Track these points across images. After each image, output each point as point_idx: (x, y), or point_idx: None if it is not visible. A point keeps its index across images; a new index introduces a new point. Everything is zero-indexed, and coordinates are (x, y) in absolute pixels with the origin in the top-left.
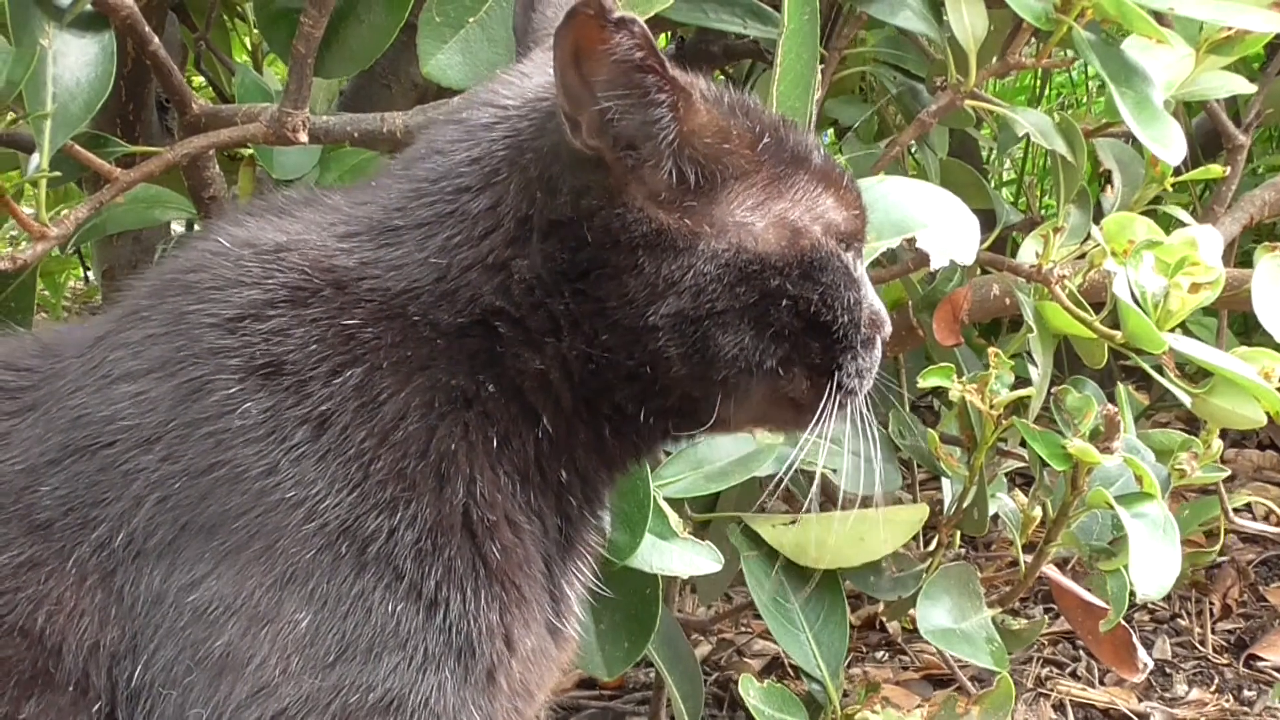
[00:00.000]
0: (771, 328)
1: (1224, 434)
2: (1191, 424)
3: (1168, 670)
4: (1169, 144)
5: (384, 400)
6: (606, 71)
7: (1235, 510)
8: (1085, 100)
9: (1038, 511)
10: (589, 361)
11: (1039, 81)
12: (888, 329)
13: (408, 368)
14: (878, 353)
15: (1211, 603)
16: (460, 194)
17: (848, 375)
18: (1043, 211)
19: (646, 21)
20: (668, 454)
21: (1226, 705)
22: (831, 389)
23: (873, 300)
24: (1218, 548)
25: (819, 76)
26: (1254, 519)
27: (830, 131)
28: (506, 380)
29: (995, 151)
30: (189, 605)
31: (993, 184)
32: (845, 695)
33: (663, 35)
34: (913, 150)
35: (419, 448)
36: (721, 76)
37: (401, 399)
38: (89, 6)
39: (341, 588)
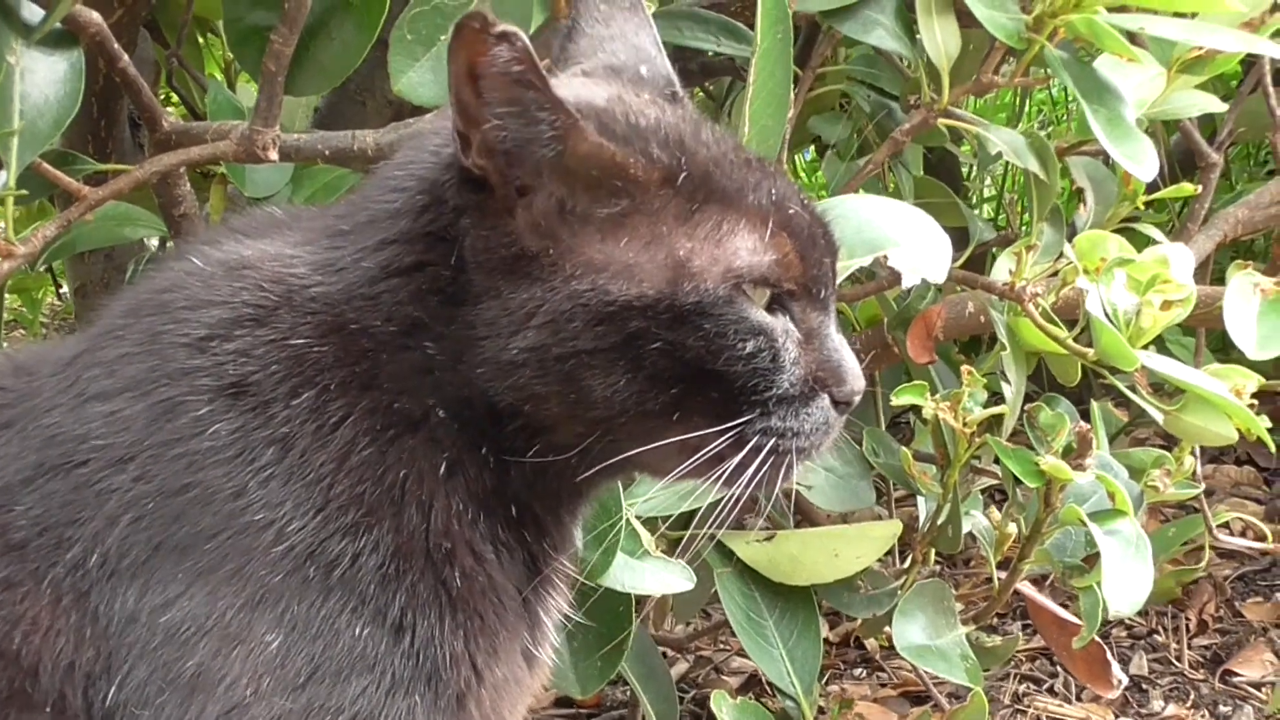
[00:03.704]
0: (645, 371)
1: (1202, 450)
2: (1171, 441)
3: (1144, 686)
4: (1141, 161)
5: (336, 424)
6: (493, 87)
7: (1216, 526)
8: (1066, 118)
9: (1012, 528)
10: (471, 390)
11: (1019, 100)
12: (849, 386)
13: (355, 387)
14: (819, 411)
15: (1188, 618)
16: (390, 193)
17: (764, 433)
18: (1023, 228)
19: None
20: None
21: None
22: (748, 444)
23: (828, 354)
24: (1202, 564)
25: (793, 95)
26: (1231, 534)
27: (811, 148)
28: (450, 405)
29: (975, 168)
30: (161, 626)
31: (973, 201)
32: (821, 712)
33: None
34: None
35: (373, 473)
36: (701, 94)
37: (350, 423)
38: (58, 24)
39: (310, 611)
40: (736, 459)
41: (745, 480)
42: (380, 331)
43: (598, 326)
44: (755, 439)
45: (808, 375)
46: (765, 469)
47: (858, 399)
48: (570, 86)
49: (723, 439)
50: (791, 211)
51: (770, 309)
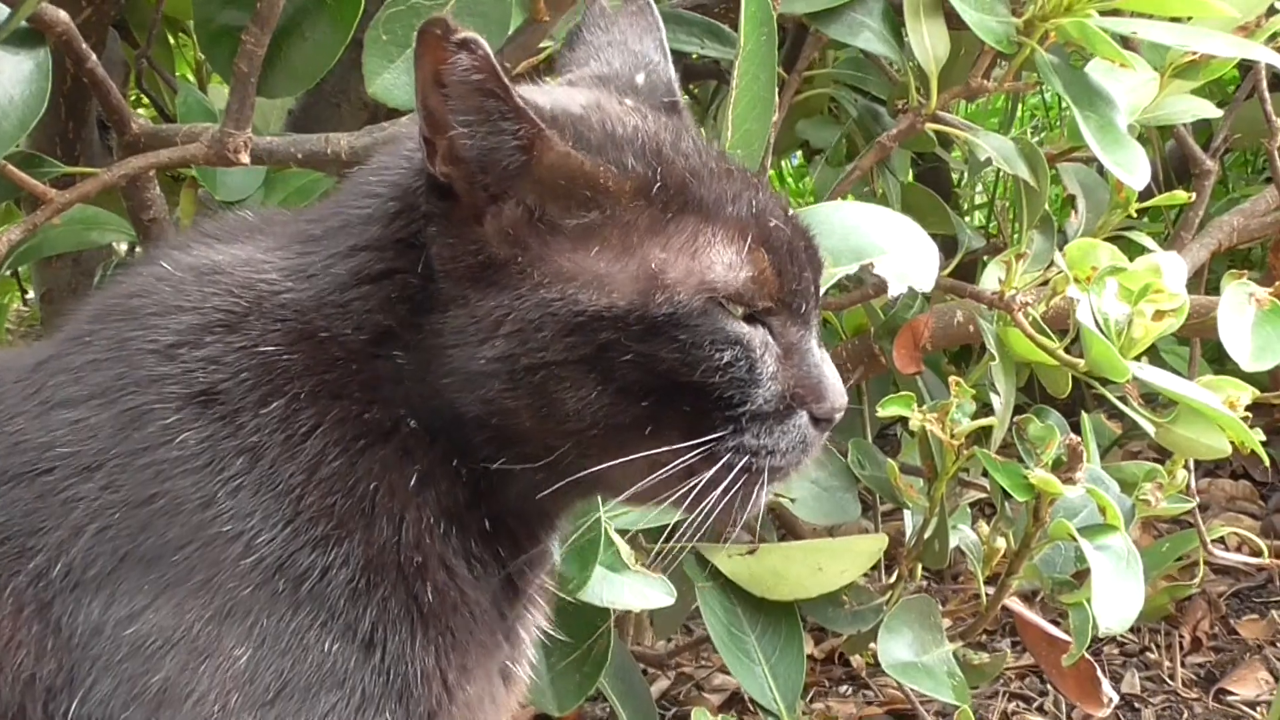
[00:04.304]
0: (616, 384)
1: (1197, 464)
2: (1164, 454)
3: (1136, 705)
4: (1133, 168)
5: (305, 433)
6: (456, 95)
7: (1211, 541)
8: (1059, 124)
9: (1001, 543)
10: (441, 400)
11: (1011, 105)
12: (829, 403)
13: (326, 396)
14: (796, 429)
15: (1181, 636)
16: (363, 199)
17: (737, 450)
18: (1014, 236)
19: None
20: None
21: None
22: (719, 462)
23: (808, 369)
24: (1196, 580)
25: (778, 99)
26: (1227, 549)
27: (799, 153)
28: (421, 415)
29: (966, 175)
30: (126, 639)
31: (964, 208)
32: None
33: None
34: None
35: (343, 485)
36: (686, 97)
37: (320, 433)
38: (24, 23)
39: (279, 625)
40: (707, 476)
41: (714, 499)
42: (351, 340)
43: (567, 337)
44: (727, 456)
45: (785, 391)
46: (737, 487)
47: (838, 417)
48: (547, 94)
49: (694, 454)
50: (772, 225)
51: (749, 321)
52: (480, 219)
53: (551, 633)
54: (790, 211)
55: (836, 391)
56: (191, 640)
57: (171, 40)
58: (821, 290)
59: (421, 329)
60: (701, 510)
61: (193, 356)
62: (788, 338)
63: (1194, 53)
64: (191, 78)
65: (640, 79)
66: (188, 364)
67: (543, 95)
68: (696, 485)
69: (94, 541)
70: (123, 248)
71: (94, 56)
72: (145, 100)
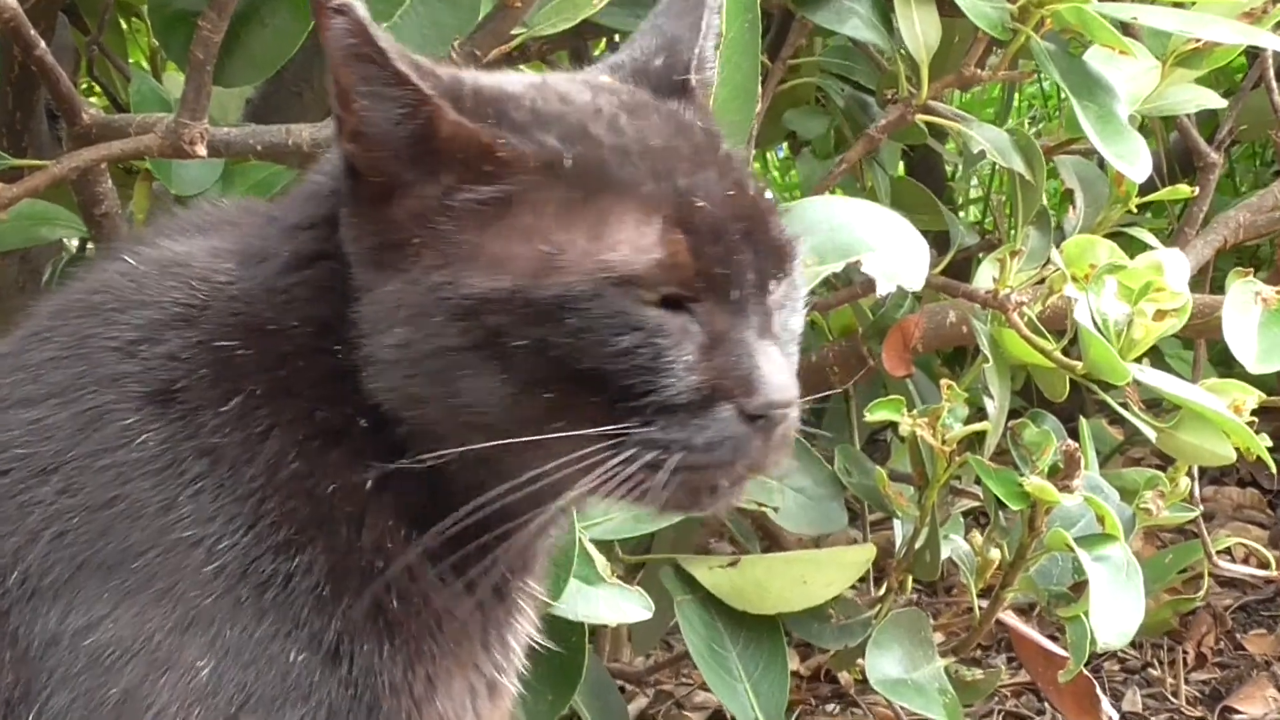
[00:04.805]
0: (516, 372)
1: (1202, 472)
2: (1168, 461)
3: None
4: (1134, 161)
5: (263, 433)
6: (345, 63)
7: (1217, 553)
8: (1057, 115)
9: (995, 554)
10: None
11: (1006, 95)
12: (761, 397)
13: (281, 394)
14: (717, 424)
15: (1185, 651)
16: (316, 175)
17: (644, 445)
18: (1010, 232)
19: (576, 26)
20: None
21: None
22: (622, 456)
23: (736, 359)
24: (1201, 593)
25: (760, 88)
26: (1233, 560)
27: (784, 145)
28: (368, 413)
29: (961, 168)
30: (85, 649)
31: (958, 203)
32: None
33: (602, 41)
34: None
35: (303, 488)
36: None
37: (278, 434)
38: None
39: (242, 635)
40: (610, 469)
41: (624, 493)
42: (297, 332)
43: (459, 321)
44: (632, 450)
45: (705, 382)
46: (645, 483)
47: (779, 412)
48: (483, 76)
49: (598, 447)
50: (699, 205)
51: (671, 307)
52: (387, 199)
53: (541, 643)
54: (744, 192)
55: (772, 385)
56: (152, 651)
57: (124, 25)
58: (790, 279)
59: (346, 319)
60: (605, 496)
61: (153, 353)
62: (715, 326)
63: (1198, 39)
64: (145, 65)
65: (660, 61)
66: (148, 361)
67: (466, 73)
68: (604, 479)
69: (51, 548)
70: (73, 244)
71: (43, 43)
72: (97, 89)
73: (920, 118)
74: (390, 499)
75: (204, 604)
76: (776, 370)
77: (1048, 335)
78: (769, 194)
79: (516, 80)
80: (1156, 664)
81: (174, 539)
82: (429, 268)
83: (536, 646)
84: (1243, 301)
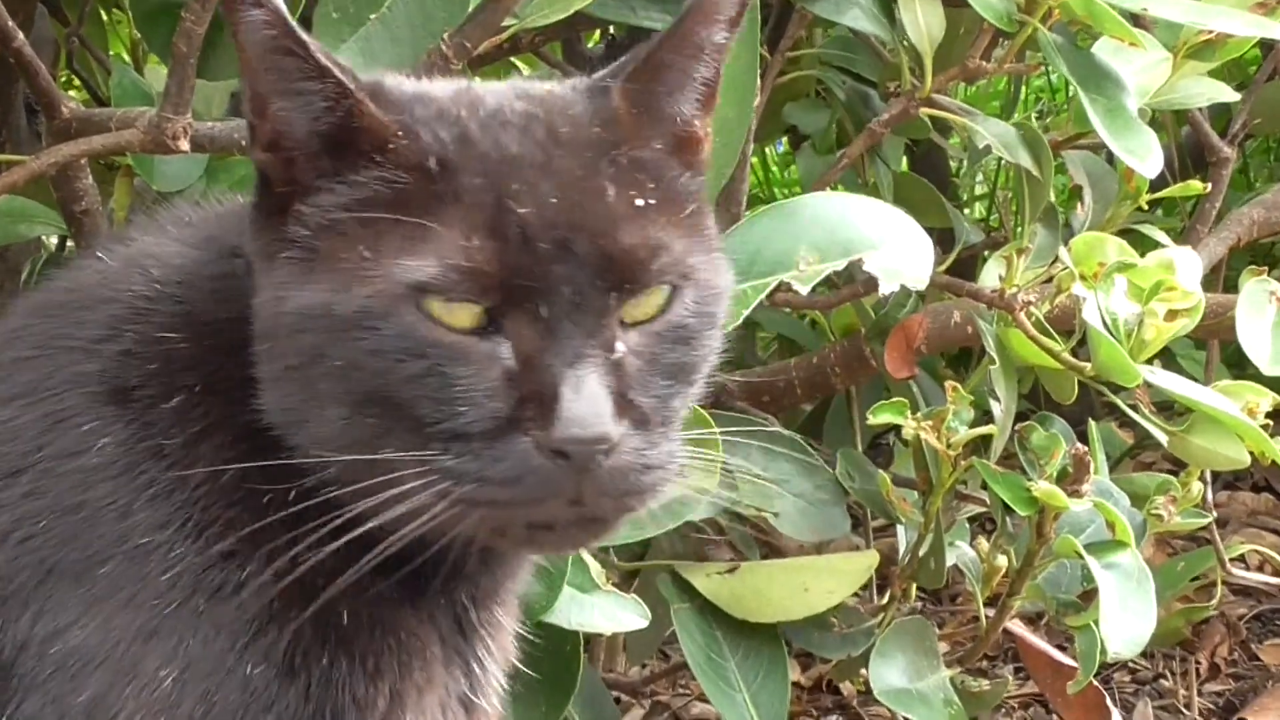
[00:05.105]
0: (342, 393)
1: (1216, 476)
2: (1180, 465)
3: None
4: (1145, 156)
5: (201, 432)
6: (259, 58)
7: (1230, 560)
8: (1065, 108)
9: (1002, 561)
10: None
11: (1013, 88)
12: (556, 431)
13: (214, 391)
14: (512, 456)
15: (1198, 661)
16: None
17: (443, 474)
18: (1016, 230)
19: (569, 17)
20: None
21: None
22: (420, 483)
23: (540, 388)
24: (1214, 602)
25: (759, 81)
26: (1247, 568)
27: (784, 140)
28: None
29: (965, 163)
30: (52, 657)
31: (963, 199)
32: None
33: (595, 33)
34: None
35: (241, 494)
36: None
37: (216, 435)
38: None
39: (202, 646)
40: (414, 499)
41: (425, 524)
42: (226, 325)
43: (291, 339)
44: (431, 479)
45: (502, 411)
46: (443, 515)
47: (579, 449)
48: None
49: (406, 475)
50: (521, 212)
51: (481, 331)
52: (284, 211)
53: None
54: (585, 200)
55: (571, 419)
56: (118, 660)
57: (105, 17)
58: (644, 297)
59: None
60: (407, 533)
61: (111, 351)
62: (524, 348)
63: (1210, 31)
64: (127, 58)
65: (611, 68)
66: (107, 359)
67: (390, 76)
68: (411, 510)
69: (18, 551)
70: (53, 241)
71: (21, 35)
72: (76, 82)
73: (924, 111)
74: (315, 512)
75: (165, 613)
76: (582, 402)
77: (1055, 336)
78: (642, 201)
79: (443, 85)
80: (1168, 675)
81: (133, 546)
82: (280, 282)
83: (520, 667)
84: (1256, 301)
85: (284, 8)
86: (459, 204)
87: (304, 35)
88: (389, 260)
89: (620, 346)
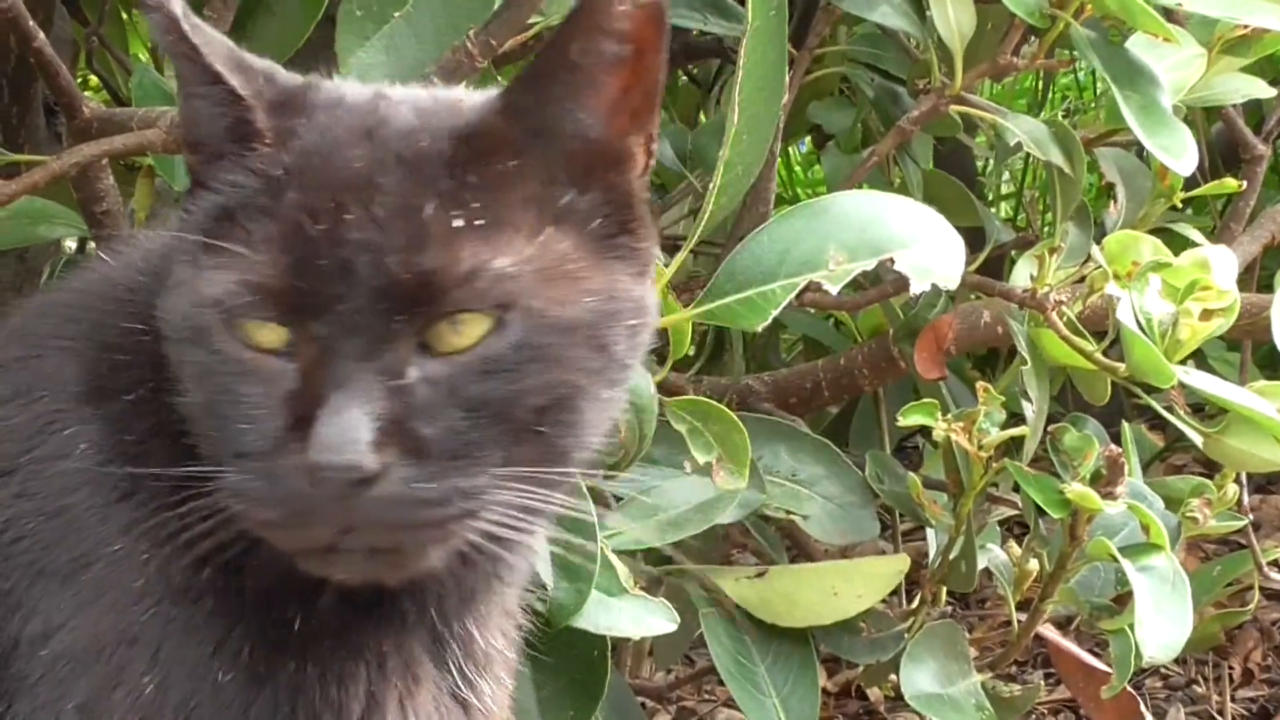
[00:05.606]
0: (190, 404)
1: (1249, 478)
2: (1213, 468)
3: None
4: (1179, 153)
5: (152, 430)
6: (173, 63)
7: (1267, 564)
8: (1095, 105)
9: (1034, 564)
10: None
11: (1041, 84)
12: (307, 455)
13: (162, 388)
14: (283, 480)
15: (1231, 667)
16: None
17: (227, 493)
18: (1045, 229)
19: None
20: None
21: None
22: (218, 500)
23: (305, 409)
24: (1249, 607)
25: (788, 79)
26: None
27: (808, 139)
28: None
29: (992, 162)
30: (42, 660)
31: (990, 198)
32: None
33: None
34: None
35: (187, 497)
36: (685, 78)
37: (164, 436)
38: None
39: (178, 653)
40: (217, 519)
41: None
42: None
43: (166, 344)
44: (218, 496)
45: (279, 431)
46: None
47: (327, 475)
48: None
49: (208, 493)
50: (317, 227)
51: (289, 347)
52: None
53: (543, 659)
54: (382, 217)
55: (321, 443)
56: (104, 665)
57: (125, 16)
58: (448, 325)
59: None
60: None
61: (94, 347)
62: (305, 367)
63: (1245, 26)
64: (146, 57)
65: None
66: (88, 360)
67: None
68: (219, 524)
69: (9, 552)
70: (72, 243)
71: (41, 35)
72: (96, 82)
73: (954, 109)
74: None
75: (143, 619)
76: (335, 427)
77: (1088, 336)
78: (462, 223)
79: (364, 92)
80: (1201, 680)
81: (110, 551)
82: (170, 285)
83: (536, 659)
84: None
85: (178, 10)
86: (273, 218)
87: (197, 39)
88: (209, 273)
89: (413, 373)
